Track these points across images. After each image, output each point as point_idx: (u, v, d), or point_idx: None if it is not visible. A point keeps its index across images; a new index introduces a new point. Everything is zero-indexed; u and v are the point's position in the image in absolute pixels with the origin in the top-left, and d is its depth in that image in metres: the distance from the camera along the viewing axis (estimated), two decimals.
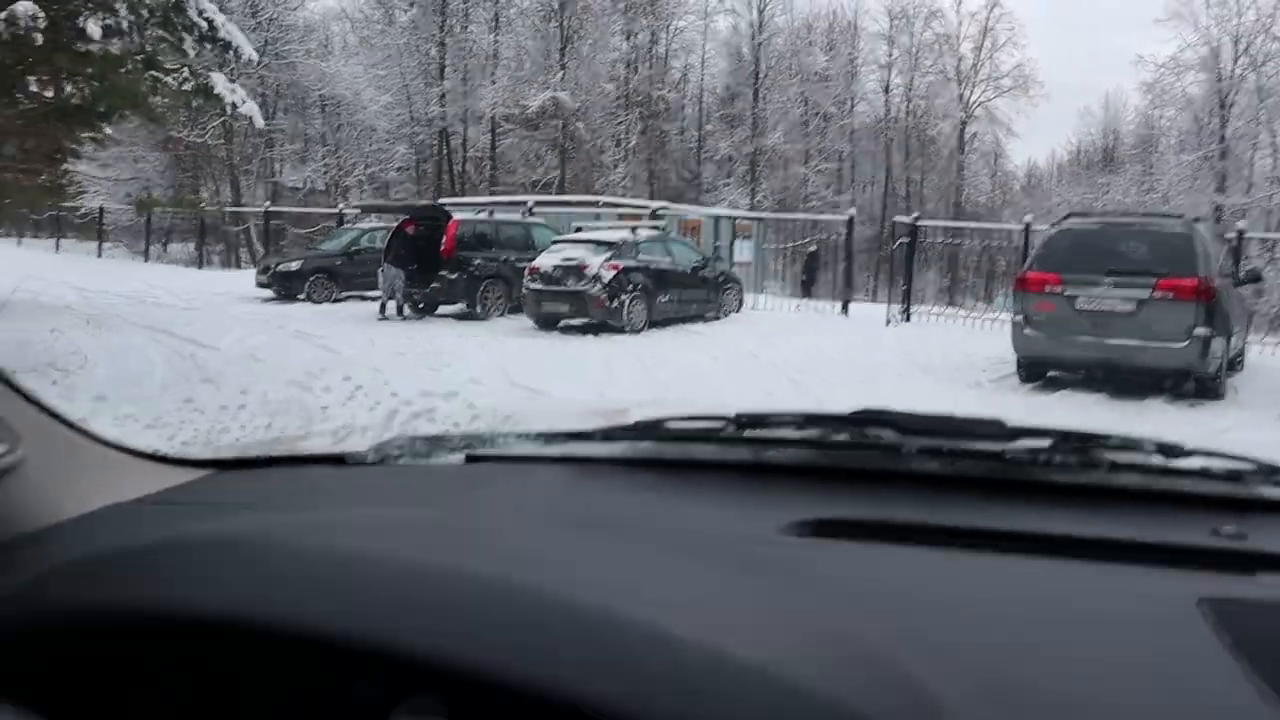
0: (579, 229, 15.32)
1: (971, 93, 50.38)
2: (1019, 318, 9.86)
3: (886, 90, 50.23)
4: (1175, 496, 1.13)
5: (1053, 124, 75.79)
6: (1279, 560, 0.96)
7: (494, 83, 40.08)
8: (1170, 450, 1.19)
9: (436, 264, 15.03)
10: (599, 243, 14.22)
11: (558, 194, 32.80)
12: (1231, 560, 0.95)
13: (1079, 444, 1.21)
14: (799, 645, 0.70)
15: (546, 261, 14.03)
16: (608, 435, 1.35)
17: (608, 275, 13.57)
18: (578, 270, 13.64)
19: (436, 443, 1.42)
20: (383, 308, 15.13)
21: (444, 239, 15.03)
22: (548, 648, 0.65)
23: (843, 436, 1.29)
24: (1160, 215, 10.68)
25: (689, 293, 15.06)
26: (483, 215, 16.57)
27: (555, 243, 14.71)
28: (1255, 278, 10.86)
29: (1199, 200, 38.35)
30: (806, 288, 25.34)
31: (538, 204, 21.22)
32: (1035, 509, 1.11)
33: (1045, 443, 1.20)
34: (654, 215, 17.98)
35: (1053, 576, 0.92)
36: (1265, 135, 39.24)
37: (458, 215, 16.12)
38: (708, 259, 15.94)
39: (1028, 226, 15.31)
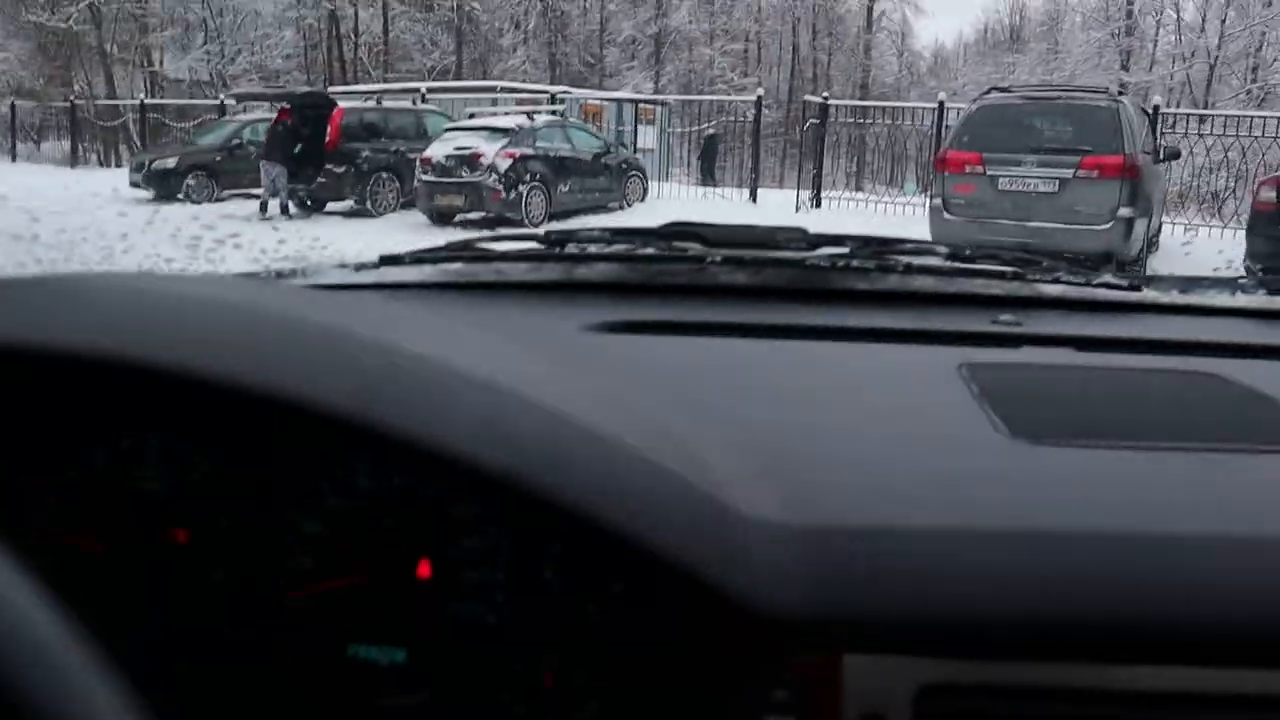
0: (473, 115, 14.48)
1: None
2: (937, 200, 9.42)
3: None
4: (967, 297, 1.23)
5: (961, 2, 75.14)
6: (1045, 338, 1.08)
7: None
8: (960, 254, 1.30)
9: (321, 157, 14.10)
10: (494, 130, 13.43)
11: (455, 81, 31.38)
12: (1004, 340, 1.07)
13: (877, 249, 1.29)
14: (616, 417, 0.73)
15: (438, 151, 13.23)
16: (418, 259, 1.33)
17: (504, 164, 12.87)
18: (471, 160, 12.90)
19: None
20: (263, 206, 14.13)
21: (328, 130, 14.08)
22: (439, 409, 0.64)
23: (650, 250, 1.32)
24: (1085, 89, 10.20)
25: (591, 181, 14.43)
26: (370, 103, 15.55)
27: (448, 130, 13.86)
28: (1174, 154, 10.58)
29: (1104, 78, 38.68)
30: (706, 174, 24.76)
31: (431, 91, 20.13)
32: (833, 309, 1.17)
33: (844, 249, 1.27)
34: (553, 100, 17.15)
35: (833, 355, 1.01)
36: (1170, 12, 39.39)
37: (344, 104, 15.12)
38: (609, 145, 15.29)
39: (942, 105, 14.90)
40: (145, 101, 25.01)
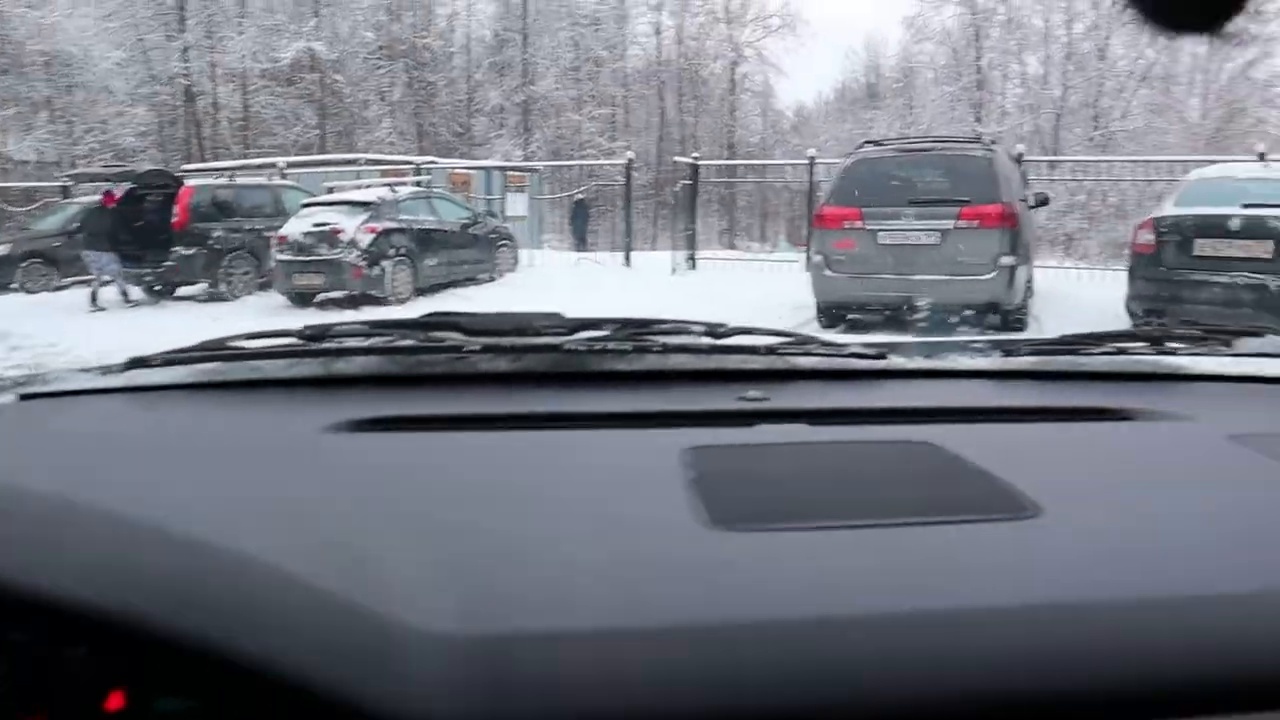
0: (331, 190, 13.90)
1: (741, 33, 50.76)
2: (818, 258, 9.22)
3: (658, 32, 49.87)
4: (720, 373, 1.25)
5: (820, 63, 77.78)
6: (781, 413, 1.08)
7: (241, 33, 36.94)
8: (716, 331, 1.35)
9: (168, 239, 13.31)
10: (354, 204, 12.89)
11: (319, 155, 30.62)
12: (741, 418, 1.06)
13: (635, 331, 1.33)
14: (303, 529, 0.74)
15: (295, 228, 12.61)
16: (169, 360, 1.30)
17: (365, 239, 12.32)
18: (331, 236, 12.32)
19: None
20: (94, 297, 12.99)
21: (174, 210, 13.31)
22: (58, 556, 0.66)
23: (408, 341, 1.31)
24: (958, 140, 10.24)
25: (459, 253, 13.98)
26: (222, 180, 14.81)
27: (305, 206, 13.24)
28: (1044, 201, 10.62)
29: (960, 130, 40.21)
30: (579, 239, 24.59)
31: (291, 165, 19.45)
32: (588, 393, 1.17)
33: (603, 332, 1.30)
34: (418, 171, 16.68)
35: (566, 444, 0.99)
36: (1016, 66, 41.30)
37: (193, 181, 14.38)
38: (478, 215, 14.90)
39: (813, 161, 14.98)
40: None
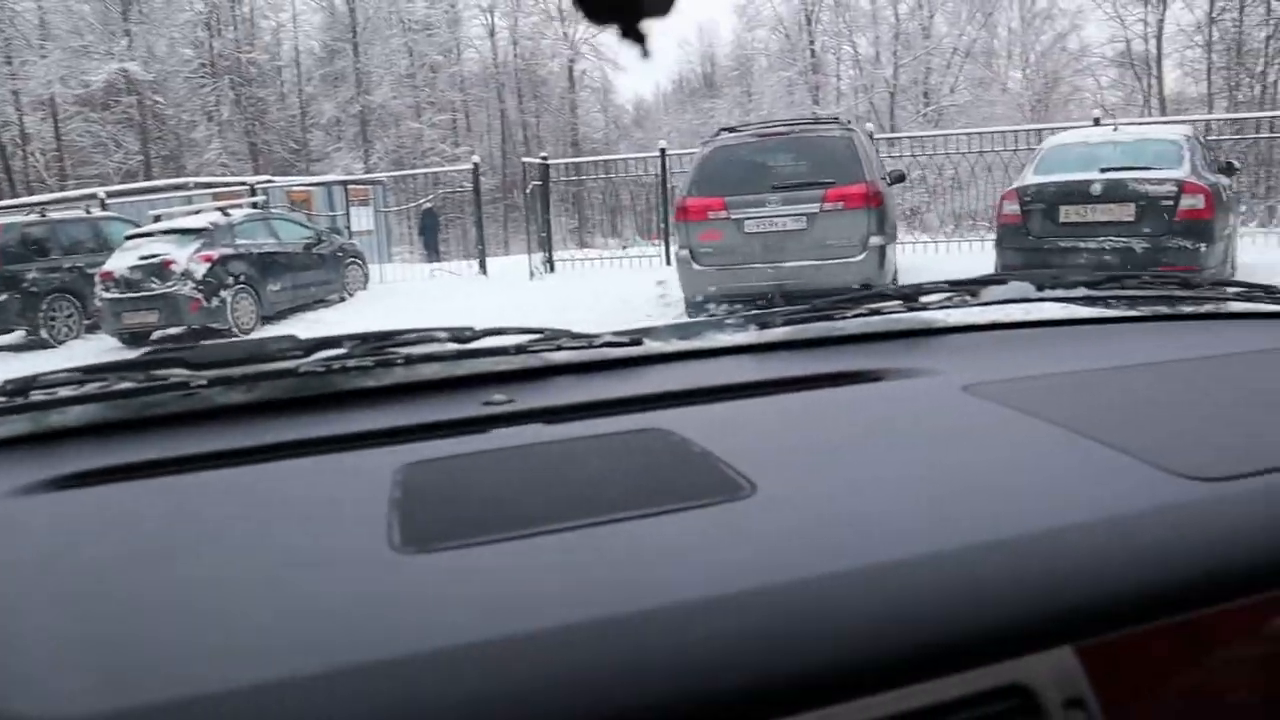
0: (159, 218, 12.93)
1: (575, 30, 50.44)
2: (684, 252, 8.87)
3: (492, 34, 49.11)
4: (470, 378, 1.21)
5: (656, 56, 77.73)
6: (517, 416, 1.06)
7: (44, 57, 34.54)
8: (463, 336, 1.31)
9: None
10: (184, 231, 11.97)
11: (145, 181, 28.88)
12: (473, 425, 1.04)
13: (376, 345, 1.27)
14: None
15: (121, 263, 11.65)
16: None
17: (200, 269, 11.48)
18: (162, 268, 11.42)
19: None
20: None
21: None
22: None
23: (128, 384, 1.22)
24: (816, 121, 9.98)
25: (305, 275, 13.21)
26: (32, 217, 13.60)
27: (131, 238, 12.22)
28: (900, 178, 10.63)
29: (800, 113, 40.94)
30: (430, 249, 23.94)
31: (113, 195, 18.16)
32: (328, 416, 1.12)
33: (341, 350, 1.24)
34: (253, 192, 15.75)
35: (269, 478, 0.94)
36: (848, 48, 42.28)
37: None
38: (321, 234, 14.12)
39: (664, 153, 14.72)
40: None
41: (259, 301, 12.07)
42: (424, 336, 1.32)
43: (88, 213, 14.43)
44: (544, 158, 15.36)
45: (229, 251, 11.87)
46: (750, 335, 1.41)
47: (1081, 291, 1.49)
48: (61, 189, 30.12)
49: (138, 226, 13.30)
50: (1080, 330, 1.42)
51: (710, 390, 1.14)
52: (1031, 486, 0.82)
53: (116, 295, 11.49)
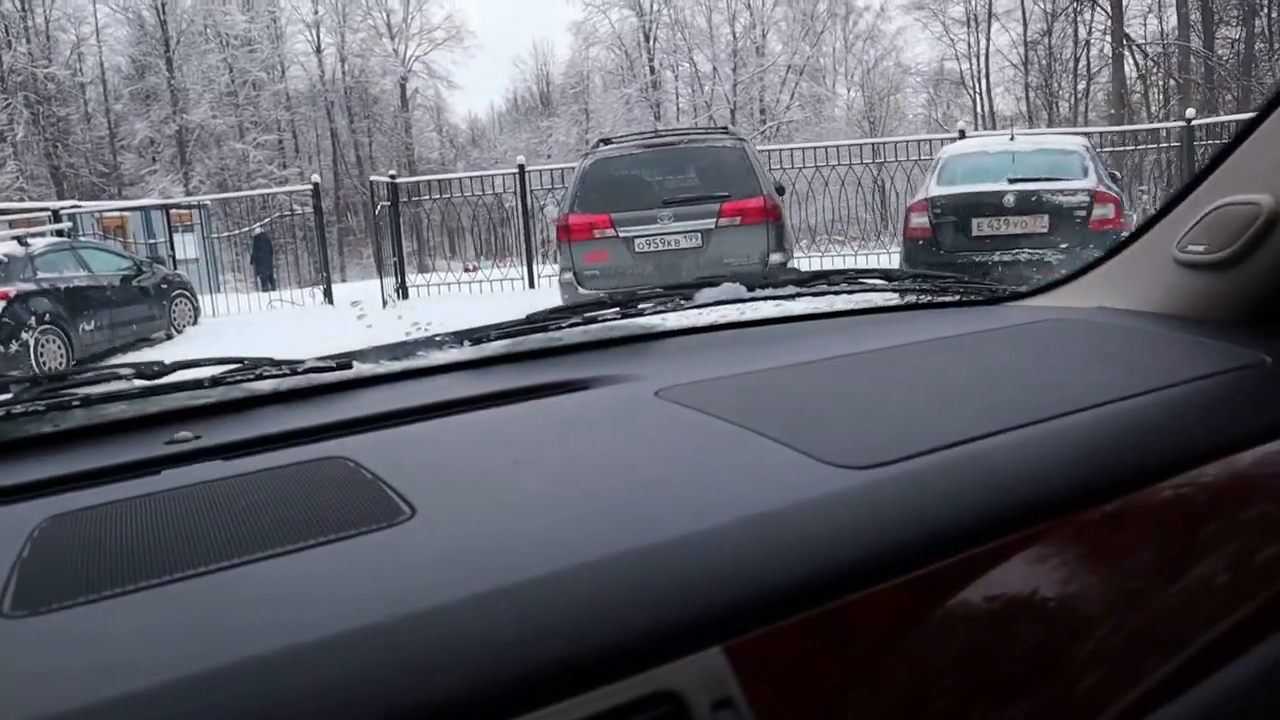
0: None
1: (406, 47, 49.01)
2: (568, 275, 7.99)
3: (318, 50, 46.96)
4: (159, 416, 1.15)
5: (490, 74, 76.86)
6: (195, 453, 1.01)
7: None
8: (150, 371, 1.22)
9: None
10: None
11: None
12: (144, 467, 0.98)
13: (48, 389, 1.20)
14: None
15: None
16: None
17: None
18: None
19: None
20: None
21: None
22: None
23: None
24: (705, 131, 9.27)
25: (124, 311, 11.58)
26: None
27: None
28: (781, 190, 10.10)
29: (641, 129, 40.70)
30: (265, 278, 22.26)
31: None
32: (12, 465, 1.04)
33: (6, 395, 1.18)
34: (56, 218, 13.88)
35: None
36: (686, 65, 42.21)
37: None
38: (141, 263, 12.46)
39: (522, 169, 13.72)
40: None
41: (69, 344, 10.43)
42: (105, 374, 1.23)
43: None
44: (393, 176, 14.13)
45: (30, 288, 10.20)
46: (465, 352, 1.39)
47: (791, 290, 1.52)
48: None
49: None
50: (787, 328, 1.48)
51: (410, 411, 1.11)
52: (694, 487, 0.82)
53: None
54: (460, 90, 59.20)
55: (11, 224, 15.41)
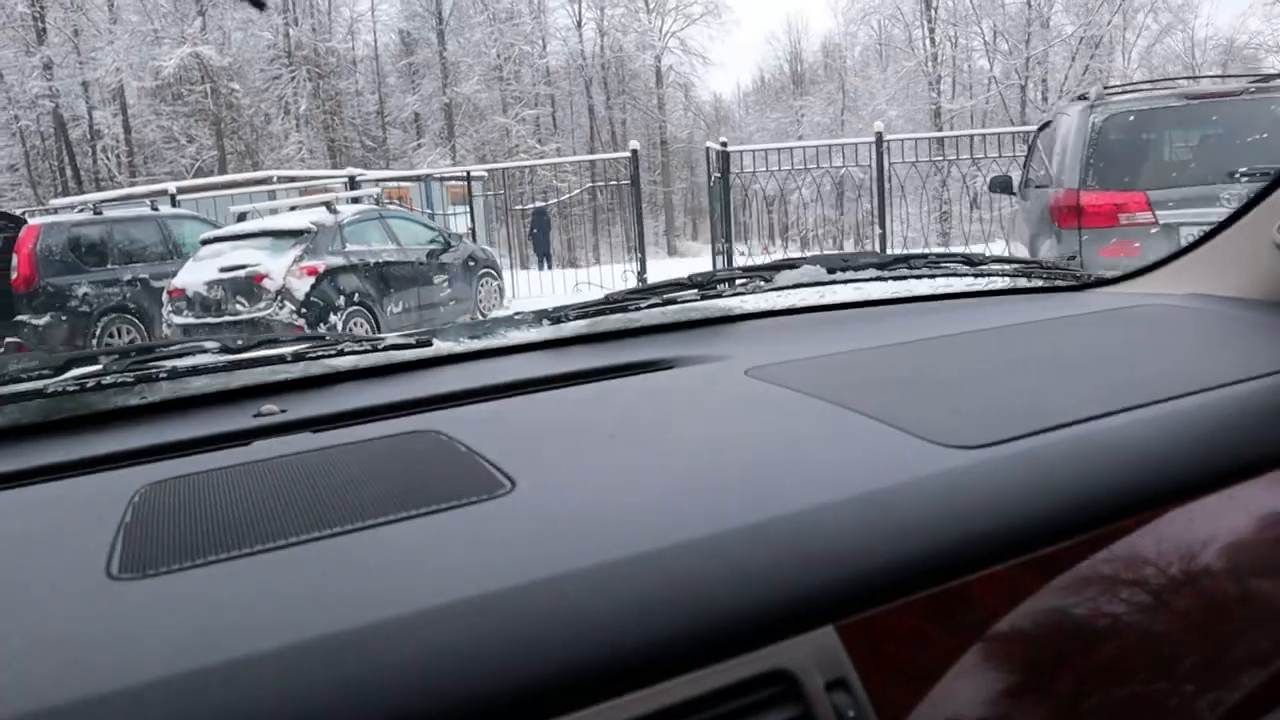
0: (243, 216, 9.90)
1: (663, 22, 47.59)
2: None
3: (579, 25, 46.18)
4: (244, 390, 1.17)
5: (742, 51, 74.62)
6: (283, 426, 1.03)
7: (113, 42, 32.00)
8: (234, 346, 1.24)
9: (8, 304, 9.19)
10: (279, 234, 8.85)
11: (218, 176, 26.12)
12: (235, 439, 1.00)
13: (136, 360, 1.21)
14: None
15: (196, 276, 8.62)
16: None
17: (302, 286, 8.40)
18: (249, 285, 8.36)
19: None
20: None
21: (13, 262, 9.19)
22: None
23: None
24: (1266, 78, 6.49)
25: (430, 292, 10.05)
26: (84, 214, 10.58)
27: (207, 243, 9.16)
28: None
29: (918, 107, 37.49)
30: (542, 255, 20.98)
31: (185, 191, 15.24)
32: (82, 437, 1.06)
33: (96, 366, 1.18)
34: (352, 184, 12.66)
35: (8, 506, 0.88)
36: (974, 36, 38.49)
37: (40, 220, 10.22)
38: (449, 237, 10.92)
39: (880, 136, 11.34)
40: None
41: (376, 328, 8.95)
42: (190, 349, 1.24)
43: (154, 208, 11.38)
44: (723, 144, 12.09)
45: (339, 262, 8.76)
46: (544, 331, 1.38)
47: (871, 273, 1.49)
48: (130, 185, 27.46)
49: (216, 227, 10.31)
50: (868, 312, 1.48)
51: (493, 389, 1.11)
52: (798, 465, 0.80)
53: (190, 320, 8.46)
54: (716, 67, 57.69)
55: (303, 192, 14.46)
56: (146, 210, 11.26)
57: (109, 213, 10.70)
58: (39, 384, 1.12)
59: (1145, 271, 1.47)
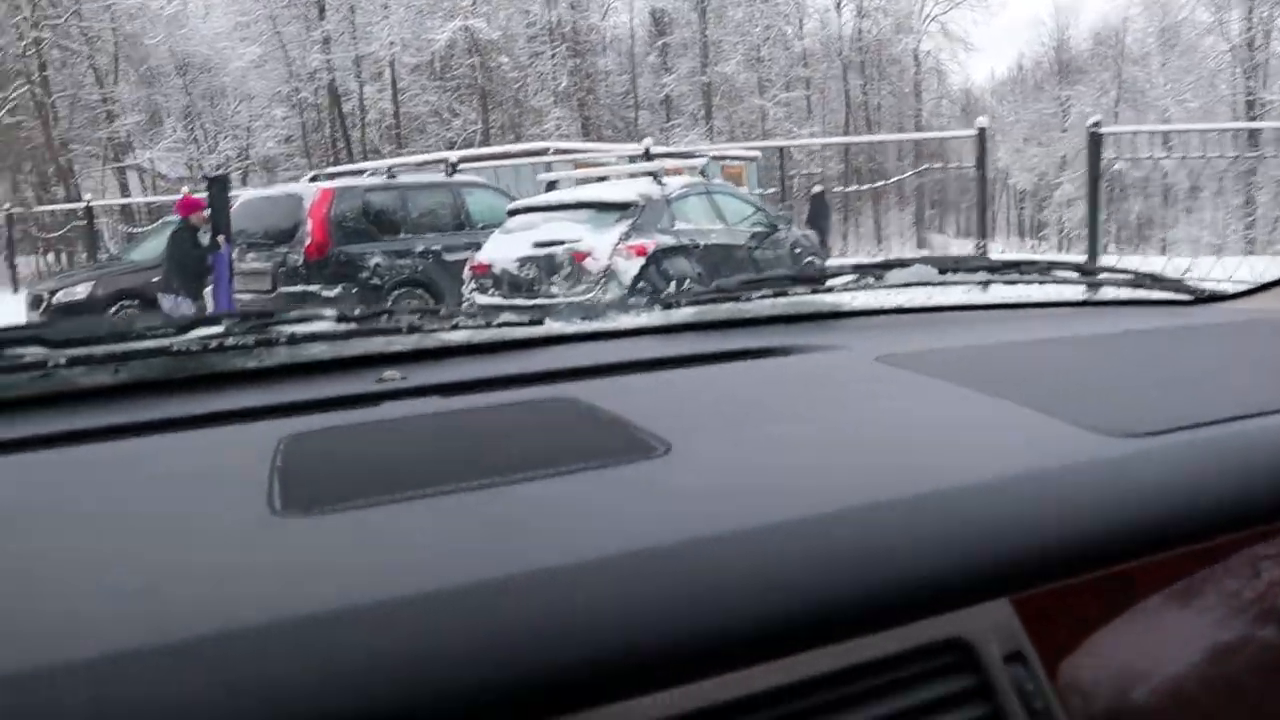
0: (552, 185, 8.65)
1: (924, 4, 44.73)
2: None
3: (839, 5, 43.90)
4: (362, 359, 1.17)
5: (1004, 36, 69.90)
6: (411, 390, 1.03)
7: (388, 16, 32.45)
8: (349, 315, 1.23)
9: (297, 270, 8.28)
10: (601, 206, 7.51)
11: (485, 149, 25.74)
12: (364, 400, 1.00)
13: (257, 324, 1.22)
14: None
15: (504, 251, 7.39)
16: None
17: (630, 267, 7.01)
18: (568, 264, 7.04)
19: None
20: None
21: (308, 228, 8.26)
22: None
23: None
24: None
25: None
26: (377, 180, 9.62)
27: (515, 214, 7.98)
28: None
29: (1226, 95, 33.29)
30: (820, 243, 19.21)
31: (464, 161, 14.40)
32: (204, 396, 1.07)
33: (219, 328, 1.19)
34: (648, 156, 11.24)
35: (137, 454, 0.88)
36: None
37: (332, 184, 9.32)
38: (775, 218, 9.32)
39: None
40: (92, 204, 19.40)
41: None
42: (309, 315, 1.23)
43: (449, 174, 10.33)
44: (1097, 122, 9.95)
45: (668, 241, 7.32)
46: (655, 316, 1.39)
47: (982, 276, 1.48)
48: (397, 157, 27.58)
49: (512, 199, 9.12)
50: (980, 315, 1.47)
51: (615, 366, 1.11)
52: (958, 443, 0.81)
53: (497, 300, 7.23)
54: (981, 52, 54.19)
55: (576, 165, 13.27)
56: (440, 176, 10.23)
57: (403, 178, 9.72)
58: (164, 342, 1.12)
59: (1264, 288, 1.46)
